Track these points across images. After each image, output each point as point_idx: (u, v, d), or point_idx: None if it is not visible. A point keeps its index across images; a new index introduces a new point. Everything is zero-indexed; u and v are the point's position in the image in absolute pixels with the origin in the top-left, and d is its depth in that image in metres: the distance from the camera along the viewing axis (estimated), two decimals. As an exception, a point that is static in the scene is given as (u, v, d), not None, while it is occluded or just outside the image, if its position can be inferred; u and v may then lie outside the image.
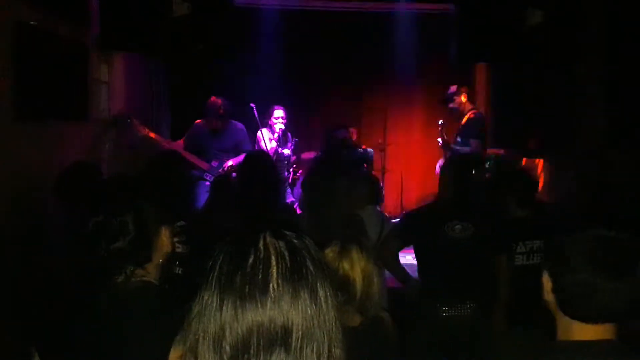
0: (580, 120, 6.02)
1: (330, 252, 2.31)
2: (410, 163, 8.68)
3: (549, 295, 1.61)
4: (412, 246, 3.92)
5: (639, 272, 1.50)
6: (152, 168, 3.52)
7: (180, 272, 2.69)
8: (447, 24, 7.47)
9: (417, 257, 3.87)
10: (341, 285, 2.25)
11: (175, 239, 1.97)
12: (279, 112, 6.91)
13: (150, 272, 1.87)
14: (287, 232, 1.10)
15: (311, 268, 1.07)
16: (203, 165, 6.23)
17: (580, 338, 1.54)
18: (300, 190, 7.01)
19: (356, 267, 2.28)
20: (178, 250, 2.00)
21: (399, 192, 8.34)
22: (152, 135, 6.16)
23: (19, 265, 3.55)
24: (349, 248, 2.33)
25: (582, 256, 1.52)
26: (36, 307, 2.56)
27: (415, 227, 3.83)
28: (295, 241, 1.09)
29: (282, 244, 1.07)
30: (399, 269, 3.89)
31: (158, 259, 1.89)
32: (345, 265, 2.29)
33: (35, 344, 1.81)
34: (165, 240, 1.91)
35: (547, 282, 1.61)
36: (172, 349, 1.63)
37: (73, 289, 1.84)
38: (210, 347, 1.03)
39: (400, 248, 3.91)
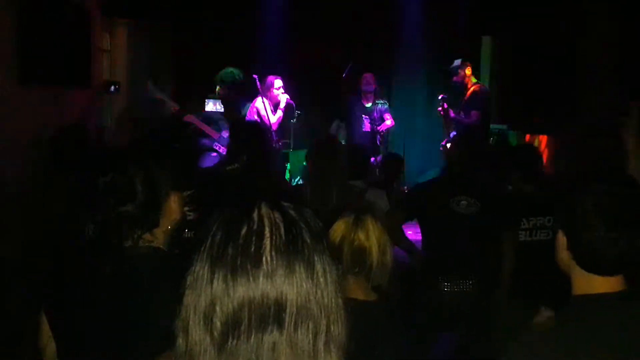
0: (587, 95, 5.98)
1: (343, 223, 2.28)
2: (413, 137, 8.64)
3: (563, 252, 1.66)
4: (415, 220, 3.92)
5: None
6: (161, 134, 3.51)
7: (190, 235, 2.71)
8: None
9: (422, 231, 3.87)
10: (357, 255, 2.24)
11: (186, 208, 1.94)
12: (279, 82, 6.85)
13: (158, 238, 1.84)
14: (284, 203, 1.05)
15: (308, 241, 1.02)
16: (213, 134, 6.19)
17: (598, 290, 1.60)
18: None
19: (371, 236, 2.25)
20: (189, 217, 1.97)
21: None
22: (161, 99, 6.11)
23: (25, 226, 3.57)
24: (363, 218, 2.29)
25: (595, 212, 1.57)
26: (43, 269, 2.56)
27: (421, 201, 3.83)
28: (292, 212, 1.04)
29: (277, 215, 1.02)
30: (404, 239, 3.90)
31: (167, 225, 1.87)
32: (361, 235, 2.25)
33: (43, 307, 1.79)
34: (174, 206, 1.88)
35: (562, 239, 1.65)
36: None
37: (80, 251, 1.82)
38: (201, 322, 0.98)
39: (405, 220, 3.91)
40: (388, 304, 2.34)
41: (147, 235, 1.81)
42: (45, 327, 1.78)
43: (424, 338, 3.66)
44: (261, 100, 6.72)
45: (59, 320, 1.77)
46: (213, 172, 4.50)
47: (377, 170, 6.54)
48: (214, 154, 6.09)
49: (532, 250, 3.78)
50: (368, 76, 7.39)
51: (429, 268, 3.72)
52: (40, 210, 3.43)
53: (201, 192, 2.84)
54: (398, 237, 3.82)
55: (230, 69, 6.27)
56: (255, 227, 1.00)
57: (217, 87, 6.29)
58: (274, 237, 1.00)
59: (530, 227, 3.83)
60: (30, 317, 1.82)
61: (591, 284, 1.62)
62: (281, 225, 1.01)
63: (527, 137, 7.27)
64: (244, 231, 1.00)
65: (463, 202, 3.64)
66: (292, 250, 1.00)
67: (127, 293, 1.70)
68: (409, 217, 3.90)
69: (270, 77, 6.86)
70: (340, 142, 4.65)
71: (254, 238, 0.99)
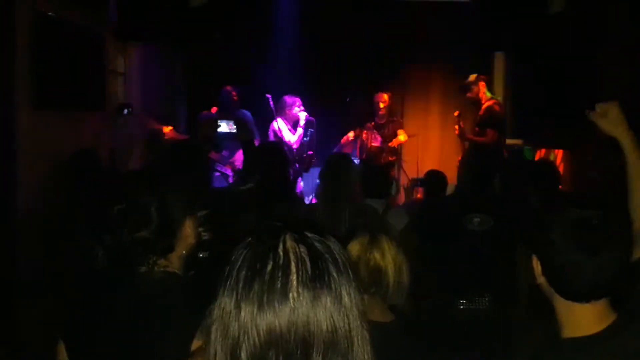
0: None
1: (358, 243, 2.27)
2: (426, 153, 8.62)
3: (540, 278, 1.67)
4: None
5: (616, 247, 1.58)
6: (176, 157, 3.53)
7: (205, 256, 2.73)
8: (466, 12, 7.41)
9: (436, 250, 3.84)
10: (373, 276, 2.22)
11: (200, 229, 1.95)
12: (299, 101, 6.92)
13: (173, 263, 1.85)
14: (309, 235, 1.03)
15: (334, 274, 1.00)
16: (213, 155, 6.23)
17: (582, 323, 1.59)
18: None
19: (387, 256, 2.24)
20: (204, 237, 1.98)
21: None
22: (157, 126, 6.18)
23: (42, 249, 3.60)
24: (378, 238, 2.28)
25: (564, 237, 1.58)
26: (60, 295, 2.57)
27: (434, 219, 3.80)
28: (318, 245, 1.02)
29: (303, 248, 1.01)
30: (418, 260, 3.86)
31: (181, 249, 1.88)
32: (377, 255, 2.24)
33: (60, 332, 1.80)
34: (189, 231, 1.89)
35: (536, 265, 1.67)
36: (195, 339, 1.63)
37: (96, 277, 1.84)
38: (228, 359, 0.98)
39: (419, 240, 3.88)
40: (404, 323, 2.32)
41: (162, 261, 1.82)
42: (62, 354, 1.78)
43: (441, 357, 3.63)
44: (277, 121, 6.78)
45: (76, 346, 1.77)
46: (227, 191, 4.52)
47: (419, 186, 6.46)
48: (217, 173, 6.14)
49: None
50: (379, 96, 7.37)
51: (444, 286, 3.69)
52: (56, 234, 3.46)
53: (216, 212, 2.86)
54: (411, 258, 3.79)
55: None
56: (281, 262, 0.99)
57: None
58: (300, 273, 0.99)
59: (547, 243, 3.79)
60: (48, 345, 1.82)
61: (574, 314, 1.60)
62: (307, 259, 1.00)
63: (543, 151, 7.23)
64: (269, 267, 0.99)
65: (476, 219, 3.62)
66: (318, 286, 0.99)
67: (142, 318, 1.71)
68: (422, 236, 3.88)
69: (287, 97, 6.93)
70: (353, 161, 4.64)
71: (280, 274, 0.98)
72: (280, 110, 6.87)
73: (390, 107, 7.42)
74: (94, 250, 1.79)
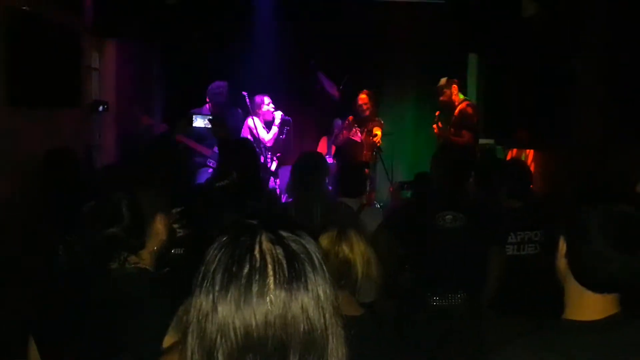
0: (576, 113, 6.01)
1: (327, 237, 2.29)
2: (400, 153, 8.68)
3: (561, 260, 1.66)
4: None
5: None
6: (147, 154, 3.53)
7: (180, 252, 2.74)
8: (440, 13, 7.47)
9: (409, 247, 3.88)
10: (341, 268, 2.24)
11: (176, 225, 1.97)
12: (267, 99, 6.92)
13: (145, 259, 1.86)
14: (285, 234, 1.03)
15: (311, 275, 1.01)
16: (205, 151, 6.20)
17: (588, 310, 1.60)
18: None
19: (356, 249, 2.26)
20: (179, 234, 1.99)
21: (389, 181, 8.35)
22: (149, 123, 6.15)
23: (15, 248, 3.57)
24: (347, 231, 2.31)
25: (598, 228, 1.57)
26: (31, 292, 2.57)
27: (407, 217, 3.85)
28: (293, 245, 1.02)
29: (279, 250, 1.01)
30: (391, 258, 3.90)
31: (153, 246, 1.89)
32: (345, 248, 2.27)
33: (31, 332, 1.80)
34: (160, 227, 1.90)
35: (562, 246, 1.65)
36: (166, 336, 1.64)
37: (67, 275, 1.85)
38: None
39: (392, 238, 3.92)
40: (375, 318, 2.35)
41: (132, 257, 1.83)
42: (34, 353, 1.78)
43: (414, 353, 3.67)
44: (252, 119, 6.78)
45: (47, 343, 1.77)
46: (203, 188, 4.52)
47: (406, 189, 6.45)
48: (210, 169, 6.11)
49: (520, 264, 3.82)
50: (360, 98, 7.35)
51: (418, 283, 3.74)
52: (29, 232, 3.43)
53: (191, 209, 2.88)
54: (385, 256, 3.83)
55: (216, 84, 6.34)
56: (257, 265, 0.99)
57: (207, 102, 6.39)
58: (277, 276, 0.99)
59: (518, 241, 3.87)
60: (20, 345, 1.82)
61: (583, 300, 1.62)
62: (284, 261, 1.00)
63: (514, 151, 7.33)
64: (246, 270, 0.99)
65: (448, 216, 3.66)
66: (295, 287, 0.99)
67: (113, 314, 1.72)
68: (395, 234, 3.92)
69: (257, 97, 6.92)
70: (325, 158, 4.66)
71: (257, 277, 0.98)
72: (252, 109, 6.88)
73: (372, 107, 7.42)
74: (59, 248, 1.80)
